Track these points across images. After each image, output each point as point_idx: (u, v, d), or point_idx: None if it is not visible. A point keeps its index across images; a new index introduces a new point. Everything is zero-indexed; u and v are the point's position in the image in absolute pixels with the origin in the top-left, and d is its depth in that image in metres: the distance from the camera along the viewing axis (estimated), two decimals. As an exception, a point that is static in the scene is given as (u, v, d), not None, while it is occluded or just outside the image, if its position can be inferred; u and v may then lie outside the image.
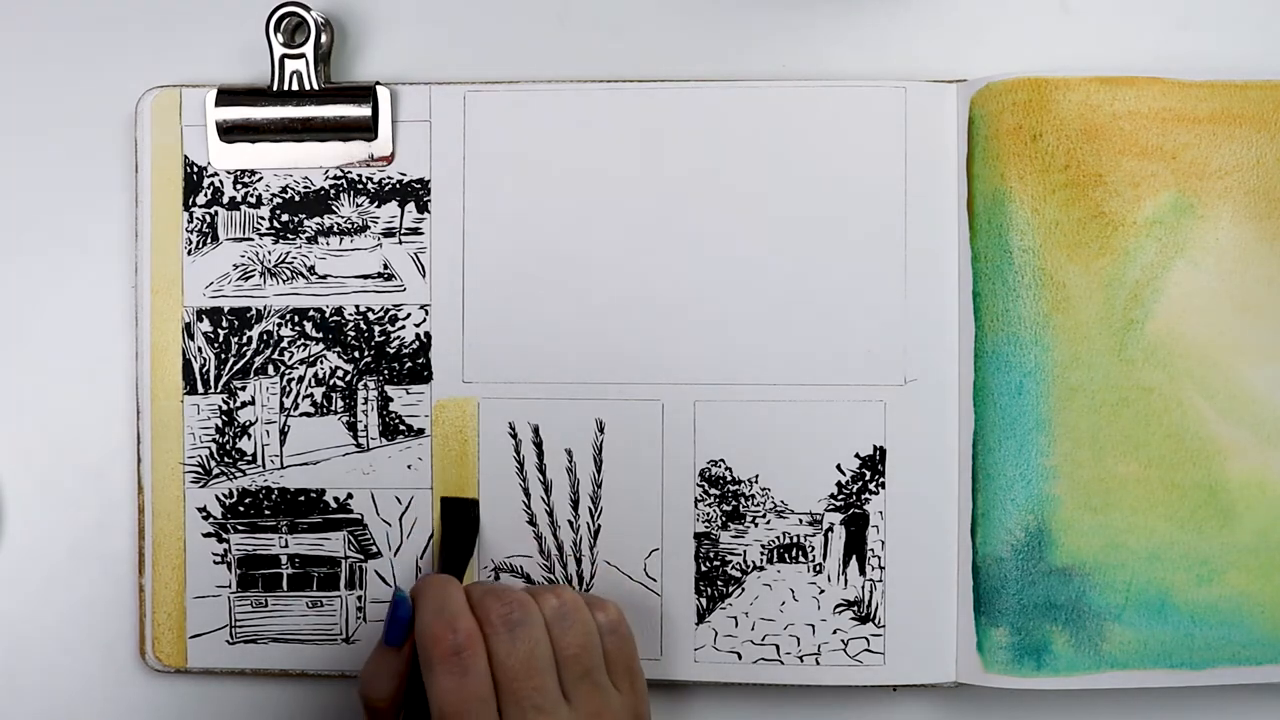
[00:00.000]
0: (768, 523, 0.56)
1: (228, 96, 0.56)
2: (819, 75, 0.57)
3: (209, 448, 0.57)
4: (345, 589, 0.57)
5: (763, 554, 0.56)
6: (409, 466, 0.56)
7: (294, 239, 0.57)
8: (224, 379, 0.57)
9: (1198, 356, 0.54)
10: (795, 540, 0.56)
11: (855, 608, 0.56)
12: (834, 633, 0.56)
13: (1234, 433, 0.54)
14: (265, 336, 0.57)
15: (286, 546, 0.57)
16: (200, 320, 0.57)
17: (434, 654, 0.48)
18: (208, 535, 0.57)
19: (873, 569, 0.55)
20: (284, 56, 0.56)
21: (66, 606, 0.58)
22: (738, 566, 0.56)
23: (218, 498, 0.57)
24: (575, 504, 0.56)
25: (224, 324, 0.57)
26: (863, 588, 0.55)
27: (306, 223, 0.57)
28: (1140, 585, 0.54)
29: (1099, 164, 0.54)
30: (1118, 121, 0.54)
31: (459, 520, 0.55)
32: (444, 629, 0.48)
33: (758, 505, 0.56)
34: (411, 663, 0.50)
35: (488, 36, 0.57)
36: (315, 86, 0.56)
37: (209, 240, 0.57)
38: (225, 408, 0.57)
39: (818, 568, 0.56)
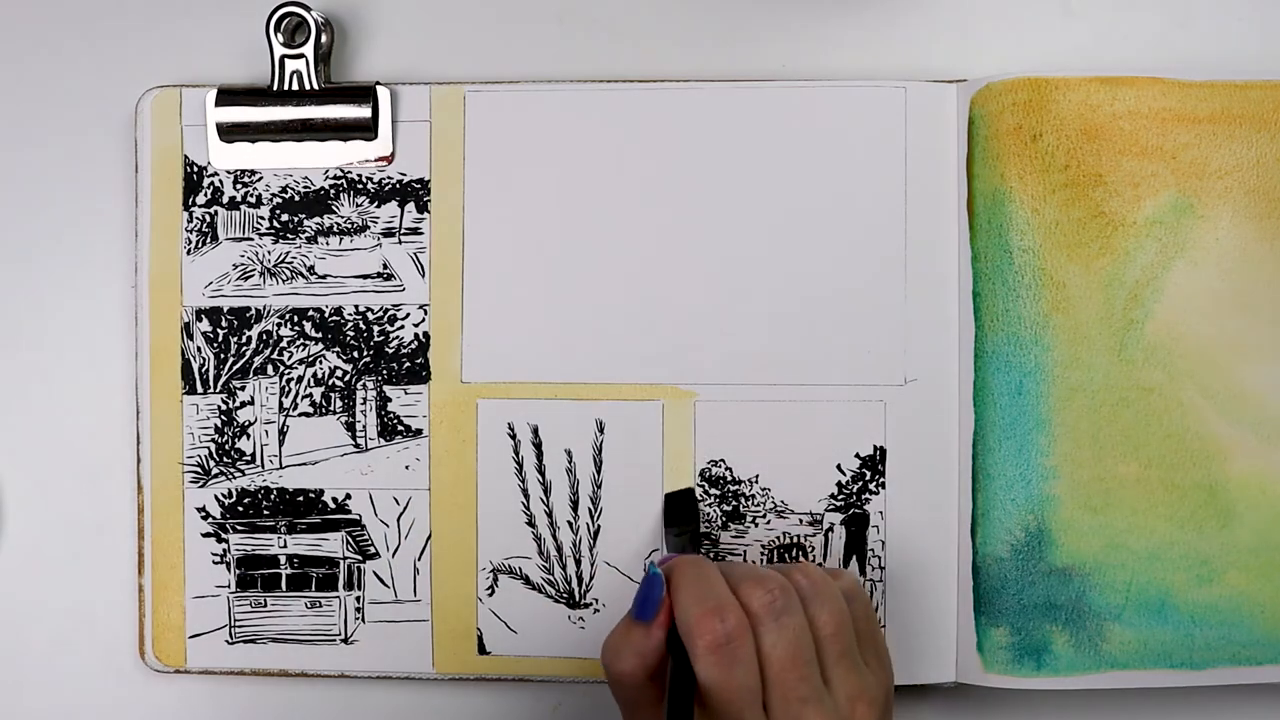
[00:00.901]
0: (768, 523, 0.56)
1: (228, 96, 0.56)
2: (819, 75, 0.57)
3: (208, 448, 0.57)
4: (344, 589, 0.56)
5: (763, 554, 0.56)
6: (407, 467, 0.56)
7: (294, 239, 0.57)
8: (223, 379, 0.57)
9: (1198, 356, 0.54)
10: (795, 540, 0.56)
11: (855, 608, 0.55)
12: (834, 633, 0.55)
13: (1234, 433, 0.54)
14: (264, 336, 0.57)
15: (285, 547, 0.57)
16: (200, 320, 0.57)
17: (701, 643, 0.47)
18: (207, 535, 0.57)
19: (873, 569, 0.55)
20: (284, 56, 0.56)
21: (66, 606, 0.58)
22: (738, 567, 0.56)
23: (217, 498, 0.57)
24: (575, 504, 0.56)
25: (223, 324, 0.57)
26: (863, 588, 0.55)
27: (306, 223, 0.57)
28: (1140, 585, 0.54)
29: (1099, 164, 0.54)
30: (1118, 121, 0.54)
31: (685, 509, 0.54)
32: (711, 618, 0.47)
33: (758, 505, 0.56)
34: (663, 641, 0.48)
35: (488, 36, 0.57)
36: (315, 86, 0.56)
37: (209, 240, 0.57)
38: (224, 408, 0.57)
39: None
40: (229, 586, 0.57)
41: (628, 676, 0.49)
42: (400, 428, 0.56)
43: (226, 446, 0.57)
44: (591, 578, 0.56)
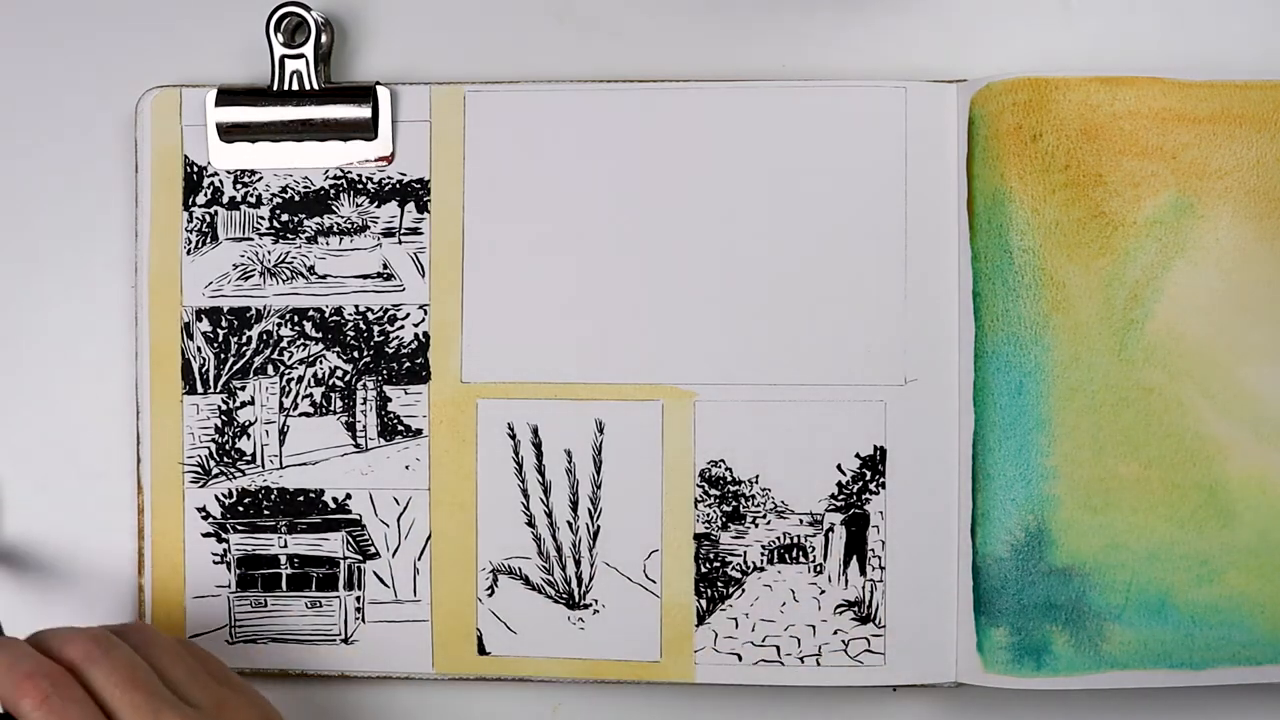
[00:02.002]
0: (768, 523, 0.56)
1: (228, 96, 0.56)
2: (819, 75, 0.57)
3: (208, 448, 0.57)
4: (344, 589, 0.57)
5: (763, 555, 0.56)
6: (407, 467, 0.56)
7: (294, 239, 0.57)
8: (223, 379, 0.57)
9: (1198, 356, 0.54)
10: (796, 541, 0.56)
11: (856, 608, 0.55)
12: (834, 633, 0.55)
13: (1234, 433, 0.54)
14: (265, 336, 0.57)
15: (286, 547, 0.57)
16: (200, 320, 0.57)
17: (27, 703, 0.45)
18: (207, 535, 0.57)
19: (873, 569, 0.55)
20: (284, 56, 0.56)
21: (66, 606, 0.58)
22: (738, 567, 0.56)
23: (217, 498, 0.57)
24: (574, 505, 0.56)
25: (223, 324, 0.57)
26: (863, 588, 0.55)
27: (306, 223, 0.57)
28: (1140, 585, 0.54)
29: (1099, 164, 0.54)
30: (1118, 121, 0.54)
31: None
32: (29, 679, 0.46)
33: (758, 506, 0.56)
34: None
35: (488, 36, 0.57)
36: (315, 86, 0.56)
37: (209, 240, 0.57)
38: (225, 408, 0.57)
39: (818, 568, 0.56)
40: (229, 586, 0.57)
41: None
42: (400, 428, 0.56)
43: (227, 446, 0.57)
44: (591, 578, 0.56)
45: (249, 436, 0.57)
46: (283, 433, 0.57)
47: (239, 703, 0.49)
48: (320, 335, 0.57)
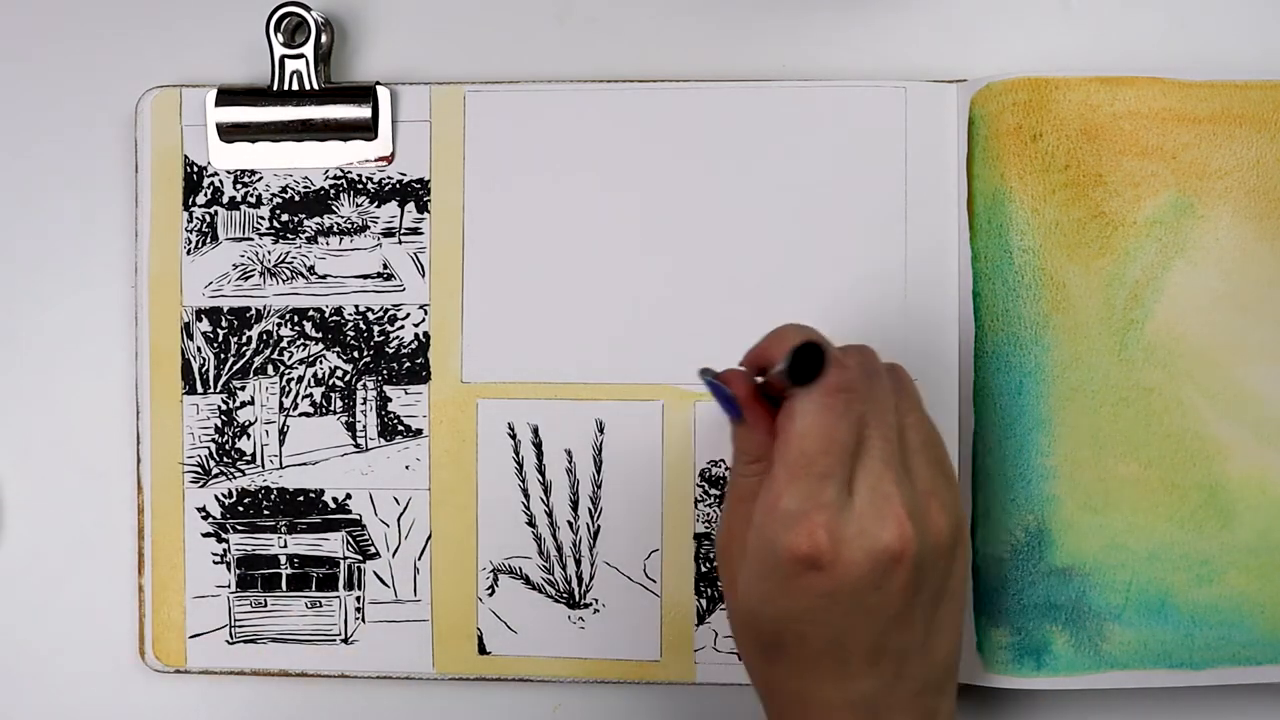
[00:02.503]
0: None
1: (228, 96, 0.56)
2: (819, 75, 0.57)
3: (208, 448, 0.57)
4: (344, 589, 0.57)
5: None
6: (407, 467, 0.56)
7: (294, 239, 0.57)
8: (223, 379, 0.57)
9: (1198, 356, 0.54)
10: (795, 541, 0.56)
11: (855, 608, 0.55)
12: (834, 633, 0.55)
13: (1234, 433, 0.54)
14: (265, 336, 0.57)
15: (285, 547, 0.57)
16: (200, 320, 0.57)
17: (826, 382, 0.44)
18: (207, 535, 0.57)
19: (873, 569, 0.55)
20: (284, 56, 0.56)
21: (66, 606, 0.58)
22: (738, 567, 0.56)
23: (217, 498, 0.57)
24: (575, 505, 0.56)
25: (223, 324, 0.57)
26: None
27: (306, 223, 0.57)
28: (1140, 585, 0.54)
29: (1099, 164, 0.54)
30: (1118, 121, 0.54)
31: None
32: (836, 366, 0.45)
33: (758, 506, 0.56)
34: (771, 428, 0.46)
35: (488, 36, 0.57)
36: (315, 86, 0.56)
37: (209, 240, 0.57)
38: (225, 408, 0.57)
39: (818, 568, 0.56)
40: (229, 586, 0.57)
41: (755, 470, 0.47)
42: (400, 428, 0.56)
43: (227, 446, 0.57)
44: (591, 578, 0.56)
45: (249, 436, 0.57)
46: (283, 433, 0.57)
47: (944, 501, 0.46)
48: (320, 335, 0.57)
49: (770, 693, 0.48)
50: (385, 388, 0.56)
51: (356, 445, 0.56)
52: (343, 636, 0.57)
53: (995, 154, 0.54)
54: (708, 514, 0.56)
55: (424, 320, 0.56)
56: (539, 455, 0.56)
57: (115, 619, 0.58)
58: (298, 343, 0.57)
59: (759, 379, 0.48)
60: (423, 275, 0.56)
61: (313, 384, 0.57)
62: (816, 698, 0.46)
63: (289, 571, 0.57)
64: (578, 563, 0.56)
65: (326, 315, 0.57)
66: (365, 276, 0.56)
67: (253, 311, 0.57)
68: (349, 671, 0.57)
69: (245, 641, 0.57)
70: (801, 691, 0.46)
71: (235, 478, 0.57)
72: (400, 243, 0.56)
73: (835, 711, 0.46)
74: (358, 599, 0.57)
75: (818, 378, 0.43)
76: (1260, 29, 0.56)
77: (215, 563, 0.57)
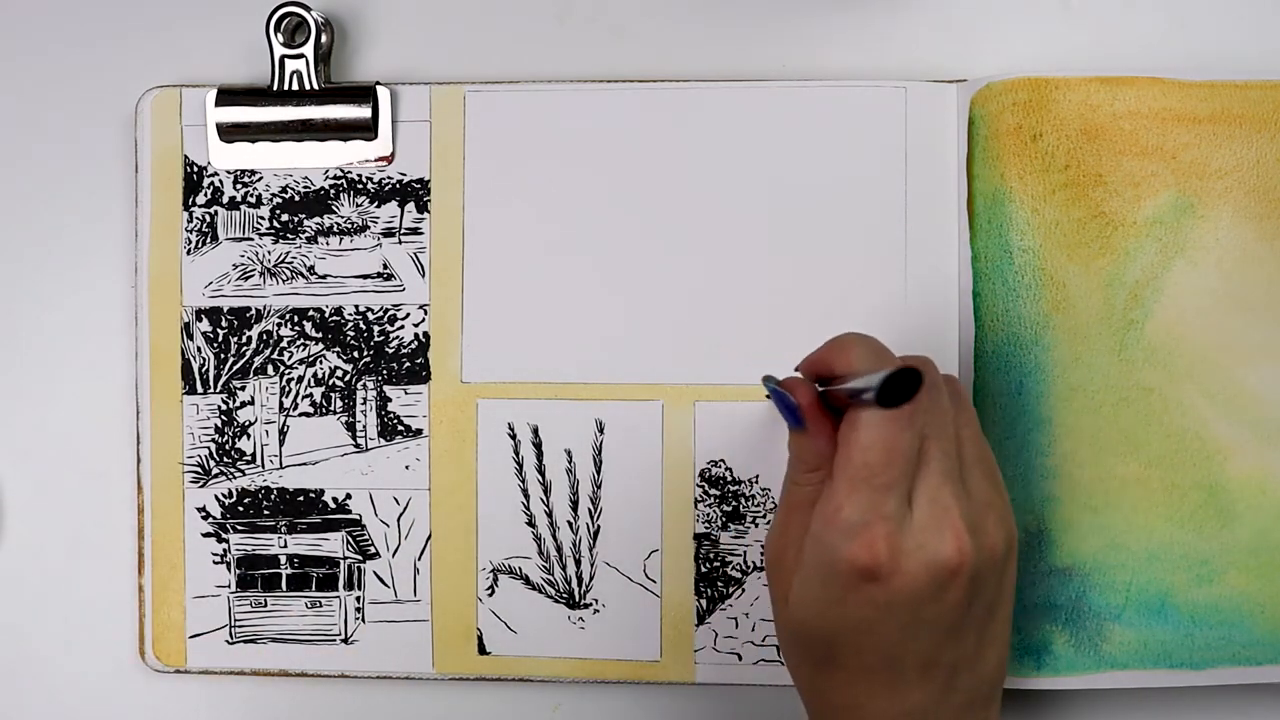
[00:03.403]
0: (768, 523, 0.56)
1: (228, 96, 0.56)
2: (819, 75, 0.57)
3: (208, 448, 0.57)
4: (344, 589, 0.57)
5: (763, 555, 0.56)
6: (407, 467, 0.56)
7: (294, 239, 0.57)
8: (223, 379, 0.57)
9: (1198, 356, 0.54)
10: (795, 541, 0.56)
11: (855, 608, 0.55)
12: (834, 633, 0.55)
13: (1234, 433, 0.54)
14: (265, 336, 0.57)
15: (285, 547, 0.57)
16: (200, 320, 0.57)
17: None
18: (207, 535, 0.57)
19: (873, 569, 0.55)
20: (284, 56, 0.56)
21: (66, 606, 0.58)
22: (738, 567, 0.56)
23: (217, 498, 0.57)
24: (575, 505, 0.56)
25: (223, 324, 0.57)
26: None
27: (306, 223, 0.57)
28: (1140, 585, 0.54)
29: (1099, 164, 0.54)
30: (1118, 121, 0.54)
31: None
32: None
33: (758, 505, 0.56)
34: (833, 433, 0.46)
35: (488, 36, 0.57)
36: (315, 86, 0.56)
37: (209, 240, 0.57)
38: (225, 408, 0.57)
39: (818, 568, 0.56)
40: (229, 586, 0.57)
41: (812, 479, 0.47)
42: (400, 428, 0.56)
43: (227, 446, 0.57)
44: (591, 578, 0.56)
45: (249, 436, 0.57)
46: (283, 433, 0.57)
47: (1000, 516, 0.47)
48: (320, 335, 0.57)
49: (819, 703, 0.48)
50: (385, 388, 0.56)
51: (356, 445, 0.56)
52: (343, 636, 0.57)
53: (995, 154, 0.54)
54: (707, 514, 0.56)
55: (424, 320, 0.56)
56: (539, 455, 0.56)
57: (115, 619, 0.58)
58: (298, 343, 0.57)
59: (820, 388, 0.48)
60: (423, 275, 0.56)
61: (313, 384, 0.57)
62: (869, 709, 0.46)
63: (289, 571, 0.57)
64: (578, 563, 0.56)
65: (326, 315, 0.57)
66: (365, 276, 0.56)
67: (253, 311, 0.57)
68: (349, 671, 0.57)
69: (245, 641, 0.57)
70: (853, 703, 0.47)
71: (235, 478, 0.57)
72: (400, 243, 0.56)
73: None
74: (358, 599, 0.57)
75: (908, 402, 0.42)
76: (1260, 29, 0.56)
77: (215, 563, 0.57)
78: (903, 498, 0.45)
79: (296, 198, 0.57)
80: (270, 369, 0.57)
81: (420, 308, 0.56)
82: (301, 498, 0.57)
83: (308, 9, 0.55)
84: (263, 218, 0.57)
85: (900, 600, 0.45)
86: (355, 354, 0.56)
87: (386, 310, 0.56)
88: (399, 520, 0.56)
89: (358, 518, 0.57)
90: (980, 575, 0.45)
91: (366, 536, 0.56)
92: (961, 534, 0.45)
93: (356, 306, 0.56)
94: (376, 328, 0.56)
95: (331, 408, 0.57)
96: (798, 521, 0.47)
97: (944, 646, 0.46)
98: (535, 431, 0.56)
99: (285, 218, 0.57)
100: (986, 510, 0.46)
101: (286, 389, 0.57)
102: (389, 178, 0.56)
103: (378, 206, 0.56)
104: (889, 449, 0.44)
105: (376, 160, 0.56)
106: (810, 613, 0.46)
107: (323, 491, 0.57)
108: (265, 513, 0.57)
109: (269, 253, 0.57)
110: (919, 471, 0.45)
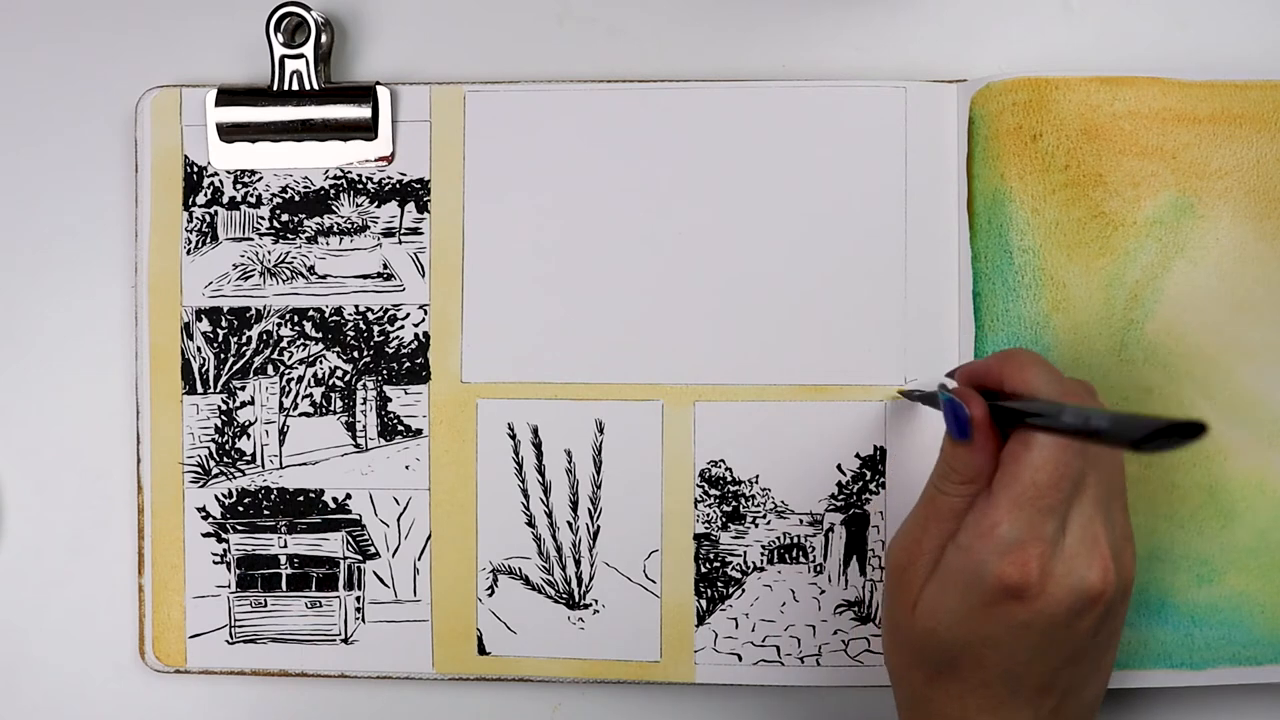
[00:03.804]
0: (768, 523, 0.56)
1: (228, 96, 0.56)
2: (819, 75, 0.57)
3: (208, 448, 0.57)
4: (344, 589, 0.57)
5: (763, 555, 0.56)
6: (407, 467, 0.56)
7: (294, 239, 0.57)
8: (223, 379, 0.57)
9: (1197, 356, 0.54)
10: (796, 541, 0.56)
11: (856, 608, 0.55)
12: (834, 633, 0.55)
13: (1234, 433, 0.54)
14: (265, 336, 0.57)
15: (285, 547, 0.57)
16: (200, 320, 0.57)
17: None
18: (207, 535, 0.57)
19: (873, 569, 0.55)
20: (284, 56, 0.56)
21: (66, 606, 0.58)
22: (738, 567, 0.56)
23: (217, 498, 0.57)
24: (574, 505, 0.56)
25: (223, 324, 0.57)
26: (863, 588, 0.55)
27: (306, 223, 0.57)
28: (1140, 585, 0.54)
29: (1099, 164, 0.54)
30: (1118, 121, 0.54)
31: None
32: (1074, 398, 0.46)
33: (758, 506, 0.56)
34: (996, 450, 0.46)
35: (488, 36, 0.57)
36: (315, 86, 0.56)
37: (209, 240, 0.57)
38: (224, 407, 0.57)
39: (818, 568, 0.56)
40: (229, 586, 0.57)
41: (964, 491, 0.47)
42: (400, 428, 0.56)
43: (227, 446, 0.57)
44: (591, 578, 0.56)
45: (249, 436, 0.57)
46: (283, 433, 0.57)
47: (1132, 553, 0.48)
48: (320, 335, 0.57)
49: (920, 711, 0.48)
50: (385, 388, 0.56)
51: (356, 445, 0.56)
52: (343, 636, 0.57)
53: (995, 154, 0.54)
54: (707, 514, 0.56)
55: (424, 320, 0.56)
56: (539, 455, 0.56)
57: (115, 619, 0.58)
58: (298, 343, 0.57)
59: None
60: (423, 275, 0.56)
61: (313, 384, 0.57)
62: None
63: (289, 571, 0.57)
64: (577, 563, 0.56)
65: (326, 315, 0.57)
66: (365, 276, 0.56)
67: (253, 311, 0.57)
68: (349, 671, 0.57)
69: (245, 641, 0.57)
70: (960, 715, 0.47)
71: (235, 478, 0.57)
72: (400, 243, 0.56)
73: None
74: (358, 599, 0.57)
75: (1158, 449, 0.41)
76: (1260, 29, 0.56)
77: (215, 563, 0.57)
78: (1060, 522, 0.45)
79: (296, 198, 0.57)
80: (270, 369, 0.57)
81: (420, 308, 0.56)
82: (301, 498, 0.57)
83: (308, 9, 0.55)
84: (263, 218, 0.57)
85: (1039, 622, 0.45)
86: (355, 354, 0.56)
87: (386, 310, 0.56)
88: (399, 520, 0.56)
89: (358, 518, 0.57)
90: (1114, 606, 0.46)
91: (366, 536, 0.56)
92: (1108, 564, 0.45)
93: (356, 306, 0.56)
94: (376, 328, 0.56)
95: (331, 408, 0.57)
96: (937, 530, 0.47)
97: (1063, 671, 0.47)
98: (535, 431, 0.56)
99: (285, 218, 0.57)
100: (1125, 543, 0.47)
101: (286, 389, 0.57)
102: (389, 178, 0.56)
103: (378, 206, 0.56)
104: (1059, 473, 0.45)
105: (376, 160, 0.56)
106: (942, 622, 0.46)
107: (323, 491, 0.57)
108: (265, 513, 0.57)
109: (269, 253, 0.57)
110: (1076, 498, 0.46)
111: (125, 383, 0.58)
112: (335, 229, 0.57)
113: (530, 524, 0.56)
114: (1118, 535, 0.47)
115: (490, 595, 0.56)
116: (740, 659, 0.56)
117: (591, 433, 0.56)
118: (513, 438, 0.56)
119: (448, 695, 0.58)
